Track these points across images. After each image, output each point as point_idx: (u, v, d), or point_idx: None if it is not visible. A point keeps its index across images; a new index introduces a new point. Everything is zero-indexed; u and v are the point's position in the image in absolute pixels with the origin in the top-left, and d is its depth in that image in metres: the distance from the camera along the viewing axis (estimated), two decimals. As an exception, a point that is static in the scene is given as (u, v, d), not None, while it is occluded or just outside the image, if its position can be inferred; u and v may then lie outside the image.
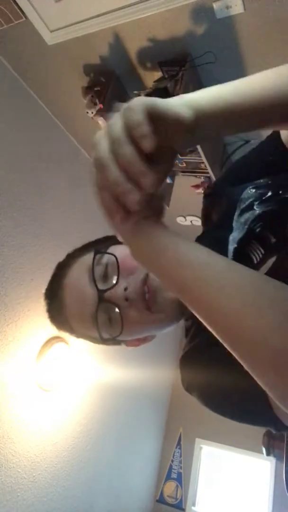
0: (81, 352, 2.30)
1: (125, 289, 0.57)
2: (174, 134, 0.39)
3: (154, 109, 0.37)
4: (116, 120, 0.38)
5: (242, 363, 0.35)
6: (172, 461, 3.36)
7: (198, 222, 2.96)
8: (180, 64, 1.75)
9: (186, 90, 1.73)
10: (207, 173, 2.21)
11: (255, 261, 0.53)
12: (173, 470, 3.33)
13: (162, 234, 0.42)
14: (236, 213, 0.60)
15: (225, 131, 0.45)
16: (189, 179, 2.44)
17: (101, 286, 0.57)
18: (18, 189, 2.06)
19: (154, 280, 0.58)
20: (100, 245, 0.64)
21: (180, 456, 3.35)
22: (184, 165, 2.26)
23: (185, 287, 0.39)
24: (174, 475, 3.31)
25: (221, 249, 0.57)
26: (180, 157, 2.17)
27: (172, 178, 2.43)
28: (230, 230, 0.59)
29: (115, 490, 2.71)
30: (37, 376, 1.99)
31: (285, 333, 0.32)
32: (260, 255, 0.53)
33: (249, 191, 0.60)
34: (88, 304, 0.58)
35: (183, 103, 0.40)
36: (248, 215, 0.57)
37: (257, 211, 0.56)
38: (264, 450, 2.84)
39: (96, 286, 0.57)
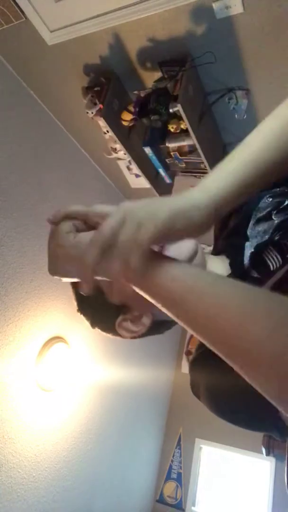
0: (81, 352, 2.30)
1: None
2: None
3: (169, 232, 0.40)
4: (123, 226, 0.39)
5: (241, 373, 0.36)
6: (172, 461, 3.36)
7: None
8: (180, 64, 1.75)
9: (186, 90, 1.73)
10: (207, 173, 2.21)
11: (272, 268, 0.53)
12: (173, 470, 3.33)
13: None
14: (252, 222, 0.60)
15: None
16: (189, 179, 2.44)
17: None
18: (18, 189, 2.06)
19: None
20: None
21: (180, 456, 3.35)
22: (184, 165, 2.26)
23: (177, 301, 0.39)
24: (174, 475, 3.30)
25: (237, 254, 0.57)
26: (180, 157, 2.17)
27: (172, 178, 2.43)
28: (245, 238, 0.59)
29: (115, 490, 2.71)
30: (37, 376, 1.99)
31: (281, 339, 0.32)
32: (278, 262, 0.53)
33: (266, 200, 0.61)
34: None
35: (204, 212, 0.42)
36: (267, 225, 0.57)
37: (276, 221, 0.56)
38: (264, 450, 2.84)
39: None
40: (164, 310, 0.41)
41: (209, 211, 0.42)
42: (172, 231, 0.40)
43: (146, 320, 0.62)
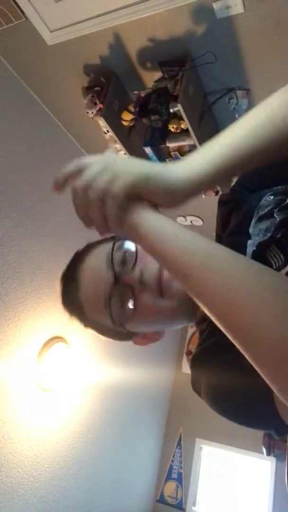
0: (81, 352, 2.30)
1: (141, 274, 0.57)
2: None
3: (142, 188, 0.43)
4: (101, 174, 0.44)
5: (243, 352, 0.36)
6: (173, 461, 3.36)
7: (198, 222, 2.96)
8: (180, 64, 1.74)
9: (186, 90, 1.73)
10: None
11: (274, 266, 0.53)
12: (173, 470, 3.33)
13: (163, 221, 0.44)
14: (253, 220, 0.60)
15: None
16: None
17: (118, 270, 0.58)
18: (18, 189, 2.06)
19: None
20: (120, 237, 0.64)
21: (181, 456, 3.35)
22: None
23: (188, 273, 0.39)
24: (174, 475, 3.31)
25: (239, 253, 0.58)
26: (180, 157, 2.17)
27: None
28: (247, 236, 0.59)
29: (115, 490, 2.71)
30: (37, 376, 1.99)
31: (286, 323, 0.32)
32: (280, 260, 0.53)
33: (267, 198, 0.61)
34: (103, 285, 0.58)
35: (179, 185, 0.44)
36: (269, 223, 0.57)
37: (278, 219, 0.56)
38: (264, 450, 2.84)
39: (113, 268, 0.58)
40: (171, 274, 0.44)
41: (185, 184, 0.44)
42: (145, 189, 0.43)
43: (157, 336, 0.69)
